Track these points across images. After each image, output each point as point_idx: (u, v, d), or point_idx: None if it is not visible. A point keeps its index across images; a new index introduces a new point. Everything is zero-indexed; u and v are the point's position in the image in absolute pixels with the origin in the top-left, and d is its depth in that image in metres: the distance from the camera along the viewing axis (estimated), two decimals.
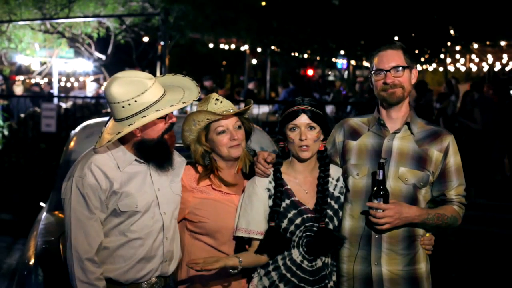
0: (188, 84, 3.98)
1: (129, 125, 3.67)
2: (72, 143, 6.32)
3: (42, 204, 6.49)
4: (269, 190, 3.95)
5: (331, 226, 3.93)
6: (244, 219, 3.92)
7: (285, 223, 3.88)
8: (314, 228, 3.90)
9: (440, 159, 4.04)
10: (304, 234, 3.90)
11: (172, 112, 3.82)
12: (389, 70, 4.02)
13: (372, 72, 4.11)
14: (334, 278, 4.03)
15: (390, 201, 3.86)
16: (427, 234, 4.11)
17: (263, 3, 21.36)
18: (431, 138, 4.08)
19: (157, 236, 3.84)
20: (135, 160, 3.82)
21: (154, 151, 3.81)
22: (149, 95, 3.68)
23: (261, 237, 3.88)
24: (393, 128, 4.09)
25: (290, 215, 3.90)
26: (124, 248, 3.76)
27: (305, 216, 3.90)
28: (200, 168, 4.12)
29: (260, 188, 3.95)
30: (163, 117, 3.77)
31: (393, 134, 4.07)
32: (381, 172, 3.84)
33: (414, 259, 4.04)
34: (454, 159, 4.08)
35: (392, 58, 4.05)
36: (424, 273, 4.08)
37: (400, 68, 4.02)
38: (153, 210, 3.83)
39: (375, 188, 3.86)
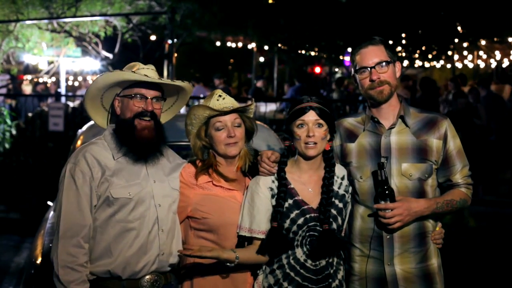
0: (186, 96, 4.19)
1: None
2: (79, 142, 6.31)
3: (49, 203, 6.50)
4: (271, 189, 3.92)
5: (334, 226, 3.90)
6: (247, 219, 3.91)
7: (287, 223, 3.86)
8: (318, 228, 3.87)
9: (441, 146, 4.01)
10: (307, 234, 3.88)
11: (150, 100, 3.90)
12: (373, 67, 3.98)
13: (356, 70, 4.07)
14: (339, 276, 4.00)
15: (397, 198, 3.84)
16: (437, 228, 4.09)
17: (270, 1, 21.32)
18: (427, 127, 4.04)
19: (152, 228, 3.86)
20: (131, 153, 3.88)
21: (130, 135, 3.87)
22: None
23: (262, 236, 3.87)
24: (388, 124, 4.05)
25: (292, 215, 3.87)
26: (119, 239, 3.79)
27: (308, 216, 3.88)
28: (199, 164, 4.12)
29: (263, 187, 3.92)
30: (143, 100, 3.88)
31: (389, 130, 4.03)
32: (382, 172, 3.82)
33: (426, 255, 4.03)
34: (454, 143, 4.05)
35: (374, 54, 4.01)
36: (436, 268, 4.07)
37: (384, 63, 3.99)
38: (148, 201, 3.87)
39: (379, 190, 3.84)
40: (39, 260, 4.89)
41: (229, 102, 4.07)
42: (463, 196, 4.07)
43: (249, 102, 4.15)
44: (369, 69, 3.99)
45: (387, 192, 3.81)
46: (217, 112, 4.02)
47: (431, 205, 3.94)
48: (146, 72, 3.91)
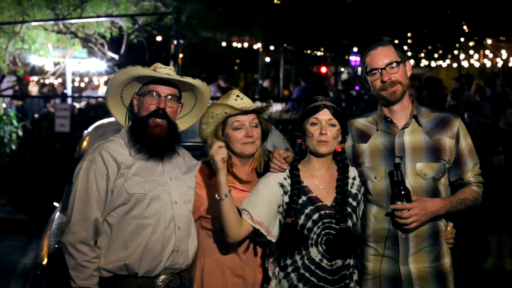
0: (205, 99, 4.17)
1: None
2: (84, 143, 6.33)
3: (55, 204, 6.51)
4: (283, 186, 3.92)
5: (350, 224, 3.90)
6: (245, 204, 3.90)
7: (302, 219, 3.86)
8: (333, 225, 3.87)
9: (453, 145, 4.03)
10: (322, 232, 3.87)
11: (164, 98, 3.91)
12: (384, 68, 3.98)
13: (367, 72, 4.08)
14: (355, 278, 3.99)
15: (413, 198, 3.85)
16: (449, 228, 4.10)
17: (276, 1, 21.32)
18: (440, 126, 4.05)
19: (169, 225, 3.88)
20: (145, 150, 3.91)
21: (142, 133, 3.89)
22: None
23: (259, 227, 3.86)
24: (401, 123, 4.05)
25: (307, 211, 3.87)
26: (135, 235, 3.82)
27: (322, 212, 3.87)
28: None
29: (273, 182, 3.93)
30: (156, 97, 3.90)
31: (402, 130, 4.03)
32: (398, 173, 3.83)
33: (440, 254, 4.04)
34: (465, 142, 4.07)
35: (384, 55, 4.01)
36: (449, 268, 4.09)
37: (395, 64, 3.99)
38: (164, 198, 3.90)
39: (395, 190, 3.85)
40: (45, 261, 4.90)
41: (247, 102, 4.09)
42: (475, 195, 4.09)
43: (269, 103, 4.17)
44: (379, 70, 4.00)
45: (403, 192, 3.82)
46: (237, 111, 4.02)
47: (446, 204, 3.95)
48: (165, 71, 3.94)
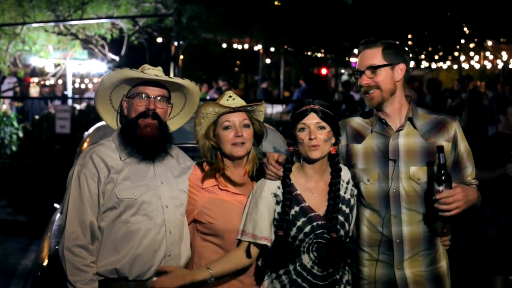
0: (194, 99, 4.19)
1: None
2: (85, 144, 6.32)
3: (56, 205, 6.51)
4: (276, 195, 3.86)
5: (342, 233, 3.85)
6: (249, 224, 3.86)
7: (294, 231, 3.81)
8: (325, 236, 3.82)
9: (450, 149, 3.94)
10: (314, 241, 3.82)
11: (153, 99, 3.91)
12: (363, 72, 3.92)
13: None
14: (345, 279, 3.95)
15: (453, 185, 3.66)
16: (445, 230, 4.04)
17: (276, 3, 21.32)
18: (436, 129, 3.96)
19: (160, 229, 3.86)
20: (137, 153, 3.90)
21: (133, 134, 3.88)
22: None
23: (265, 242, 3.83)
24: (396, 125, 3.97)
25: (299, 223, 3.81)
26: (126, 240, 3.80)
27: (314, 223, 3.82)
28: (206, 167, 4.10)
29: (267, 193, 3.86)
30: (146, 99, 3.90)
31: (397, 132, 3.95)
32: (441, 155, 3.65)
33: (435, 258, 3.99)
34: (463, 145, 4.00)
35: (368, 57, 3.93)
36: (446, 271, 4.03)
37: (374, 68, 3.89)
38: (155, 202, 3.88)
39: (436, 173, 3.67)
40: (45, 262, 4.90)
41: (238, 102, 4.06)
42: (479, 194, 4.00)
43: (259, 103, 4.13)
44: (359, 73, 3.95)
45: (444, 177, 3.63)
46: (226, 109, 3.99)
47: (478, 195, 3.88)
48: (153, 72, 3.94)
